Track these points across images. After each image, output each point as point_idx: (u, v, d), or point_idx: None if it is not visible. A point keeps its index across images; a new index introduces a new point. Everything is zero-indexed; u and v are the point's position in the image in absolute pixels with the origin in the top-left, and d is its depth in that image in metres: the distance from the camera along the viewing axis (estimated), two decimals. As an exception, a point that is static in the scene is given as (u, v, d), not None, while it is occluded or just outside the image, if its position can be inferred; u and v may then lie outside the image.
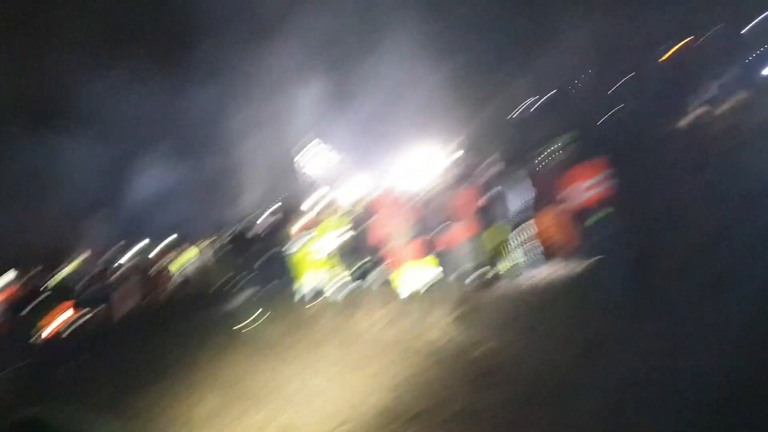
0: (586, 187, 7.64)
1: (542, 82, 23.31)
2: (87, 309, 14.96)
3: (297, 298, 11.34)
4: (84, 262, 16.63)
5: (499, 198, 8.99)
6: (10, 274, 12.32)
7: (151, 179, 31.16)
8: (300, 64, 26.38)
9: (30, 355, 12.07)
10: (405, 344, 7.05)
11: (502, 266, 9.50)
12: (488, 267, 9.55)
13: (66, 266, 15.65)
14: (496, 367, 5.68)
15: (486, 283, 9.01)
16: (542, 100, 23.64)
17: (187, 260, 19.83)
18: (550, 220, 9.40)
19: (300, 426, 5.36)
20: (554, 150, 9.66)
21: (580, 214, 7.74)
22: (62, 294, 14.91)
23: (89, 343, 12.22)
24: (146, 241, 22.92)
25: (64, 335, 14.38)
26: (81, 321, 14.85)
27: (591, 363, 5.24)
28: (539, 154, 10.70)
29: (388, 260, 9.37)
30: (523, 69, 23.14)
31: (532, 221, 9.50)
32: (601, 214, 7.60)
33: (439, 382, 5.63)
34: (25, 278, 13.71)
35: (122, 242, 21.23)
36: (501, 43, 23.58)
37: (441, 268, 9.13)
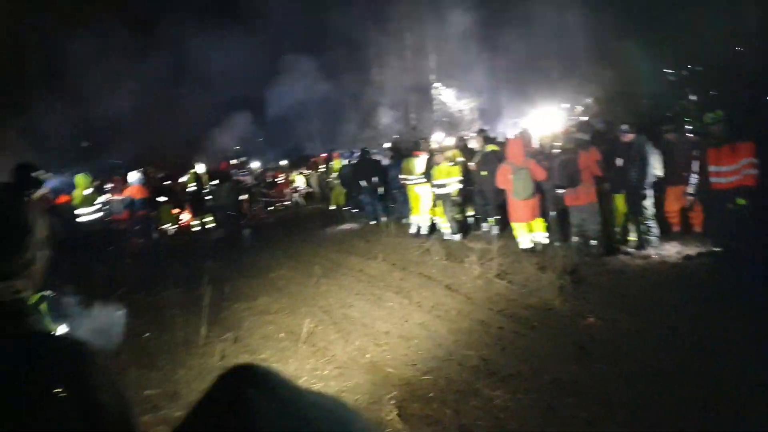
0: (726, 171, 6.98)
1: (691, 52, 21.57)
2: (208, 215, 15.93)
3: (412, 230, 11.50)
4: (209, 171, 17.48)
5: (628, 167, 8.43)
6: (136, 174, 13.15)
7: (285, 97, 32.89)
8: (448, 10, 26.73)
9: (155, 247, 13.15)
10: (508, 301, 6.88)
11: (622, 238, 9.09)
12: (607, 236, 9.16)
13: (191, 173, 16.48)
14: (596, 343, 5.43)
15: (602, 253, 8.62)
16: (684, 72, 21.94)
17: (309, 178, 20.64)
18: (680, 197, 8.78)
19: (386, 362, 5.38)
20: (695, 126, 8.91)
21: (716, 197, 7.12)
22: (187, 199, 15.89)
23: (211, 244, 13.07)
24: (272, 156, 24.04)
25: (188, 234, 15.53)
26: (203, 225, 15.86)
27: (702, 359, 4.89)
28: (677, 128, 9.93)
29: (509, 212, 9.23)
30: (673, 37, 21.51)
31: (660, 195, 8.92)
32: (739, 201, 6.96)
33: (535, 348, 5.43)
34: (150, 179, 14.63)
35: (245, 156, 22.28)
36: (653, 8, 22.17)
37: (558, 230, 8.85)
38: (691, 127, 8.94)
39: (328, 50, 33.08)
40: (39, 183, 4.85)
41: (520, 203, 8.96)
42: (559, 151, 8.45)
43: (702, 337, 5.34)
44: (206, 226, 15.89)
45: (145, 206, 12.78)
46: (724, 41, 20.71)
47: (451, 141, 12.62)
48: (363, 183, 13.35)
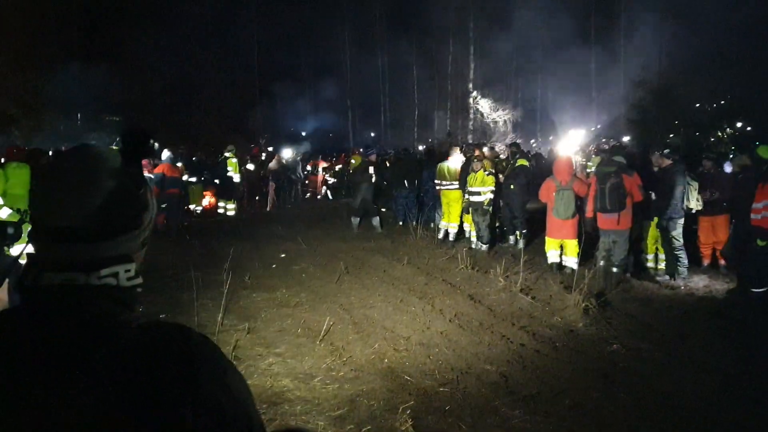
0: (759, 207, 6.79)
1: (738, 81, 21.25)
2: (232, 201, 16.05)
3: (440, 235, 11.44)
4: (240, 156, 17.62)
5: (666, 193, 8.26)
6: (167, 152, 13.22)
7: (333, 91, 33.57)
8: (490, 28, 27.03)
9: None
10: (531, 318, 6.76)
11: (653, 265, 8.94)
12: (637, 262, 9.02)
13: (224, 157, 16.55)
14: (619, 371, 5.30)
15: (633, 278, 8.48)
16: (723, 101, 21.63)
17: (342, 171, 20.71)
18: (718, 228, 8.59)
19: (404, 369, 5.29)
20: (739, 157, 8.70)
21: (756, 233, 6.93)
22: (220, 182, 16.00)
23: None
24: (306, 146, 24.24)
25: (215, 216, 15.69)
26: (225, 210, 15.97)
27: (728, 397, 4.75)
28: (720, 157, 9.74)
29: (547, 227, 9.15)
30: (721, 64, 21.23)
31: (696, 226, 8.75)
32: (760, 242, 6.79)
33: (556, 369, 5.31)
34: (177, 159, 14.69)
35: (275, 146, 22.38)
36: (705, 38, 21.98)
37: (594, 252, 8.71)
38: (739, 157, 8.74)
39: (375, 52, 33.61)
40: (154, 152, 4.60)
41: (558, 221, 8.87)
42: (605, 173, 8.27)
43: (729, 375, 5.20)
44: (228, 212, 15.98)
45: (175, 185, 12.82)
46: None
47: (486, 151, 12.49)
48: (405, 182, 13.20)
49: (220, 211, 16.13)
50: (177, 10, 25.92)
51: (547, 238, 9.23)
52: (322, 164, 21.70)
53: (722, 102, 21.42)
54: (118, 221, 1.04)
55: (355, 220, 13.06)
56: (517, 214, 10.64)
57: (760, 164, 7.26)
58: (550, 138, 27.54)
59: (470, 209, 10.54)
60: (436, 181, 11.81)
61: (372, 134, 32.53)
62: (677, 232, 8.35)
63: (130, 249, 1.06)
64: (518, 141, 17.84)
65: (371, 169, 13.06)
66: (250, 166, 17.91)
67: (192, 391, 0.90)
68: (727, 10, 21.46)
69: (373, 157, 13.83)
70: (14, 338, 0.95)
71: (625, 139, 20.39)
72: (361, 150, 18.73)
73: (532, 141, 28.59)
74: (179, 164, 14.21)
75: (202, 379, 0.93)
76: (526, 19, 29.19)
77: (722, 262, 8.87)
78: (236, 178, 16.10)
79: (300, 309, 7.18)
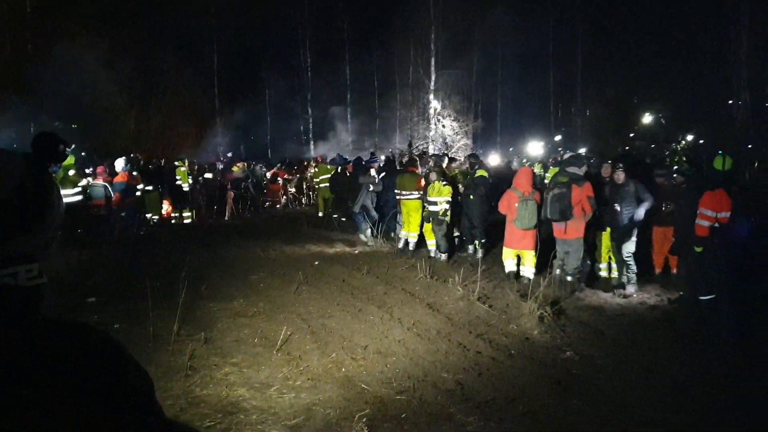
0: (711, 216, 7.01)
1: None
2: (187, 209, 15.84)
3: (400, 245, 11.47)
4: (195, 165, 17.41)
5: (618, 203, 8.48)
6: (122, 161, 13.01)
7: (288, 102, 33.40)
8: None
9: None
10: (488, 326, 6.83)
11: (606, 274, 9.14)
12: (591, 271, 9.21)
13: (178, 166, 16.36)
14: (572, 378, 5.40)
15: (585, 287, 8.66)
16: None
17: (302, 181, 20.58)
18: (666, 237, 8.83)
19: (361, 377, 5.29)
20: (693, 166, 9.00)
21: (702, 241, 7.14)
22: (171, 191, 15.77)
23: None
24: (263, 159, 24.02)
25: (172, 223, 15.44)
26: (181, 218, 15.76)
27: (677, 400, 4.89)
28: (670, 167, 10.04)
29: (505, 237, 9.25)
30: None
31: (647, 234, 8.97)
32: (723, 247, 7.00)
33: (511, 376, 5.39)
34: (135, 167, 14.44)
35: (231, 154, 22.16)
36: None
37: (552, 262, 8.86)
38: (693, 166, 9.06)
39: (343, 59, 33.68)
40: (63, 156, 4.51)
41: (519, 232, 8.95)
42: (555, 183, 8.46)
43: (677, 379, 5.35)
44: (184, 221, 15.78)
45: (131, 194, 12.59)
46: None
47: (445, 161, 12.63)
48: (371, 189, 13.17)
49: (175, 220, 15.94)
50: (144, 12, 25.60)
51: (504, 248, 9.34)
52: (284, 176, 21.55)
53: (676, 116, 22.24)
54: (17, 222, 1.04)
55: (366, 231, 12.84)
56: (476, 223, 10.77)
57: (714, 175, 7.47)
58: (510, 149, 27.98)
59: (430, 219, 10.64)
60: (396, 191, 11.87)
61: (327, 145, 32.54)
62: (632, 242, 8.55)
63: (32, 249, 1.07)
64: (478, 152, 18.11)
65: (374, 176, 13.05)
66: (208, 175, 17.72)
67: (89, 387, 0.94)
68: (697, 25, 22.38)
69: (375, 166, 13.87)
70: None
71: (581, 150, 20.87)
72: (324, 158, 18.67)
73: (495, 151, 29.08)
74: (134, 173, 13.98)
75: (101, 376, 0.96)
76: (490, 31, 29.72)
77: (674, 270, 9.11)
78: (185, 187, 15.94)
79: (257, 318, 7.12)
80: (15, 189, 1.04)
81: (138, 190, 13.02)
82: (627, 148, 22.50)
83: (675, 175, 9.03)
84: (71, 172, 11.97)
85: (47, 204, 1.11)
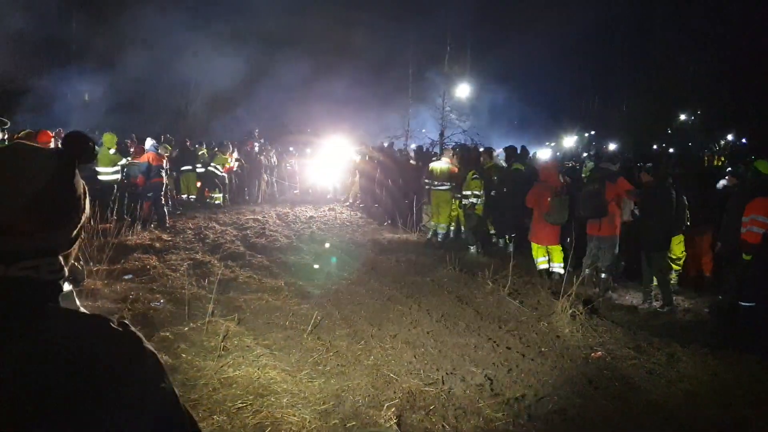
0: (765, 222, 6.80)
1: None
2: (217, 192, 16.04)
3: (429, 235, 11.47)
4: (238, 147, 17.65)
5: (652, 205, 8.32)
6: (151, 141, 13.19)
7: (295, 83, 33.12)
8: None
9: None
10: (518, 322, 6.79)
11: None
12: (622, 272, 9.10)
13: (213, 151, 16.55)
14: (603, 378, 5.34)
15: (612, 287, 8.56)
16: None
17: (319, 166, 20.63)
18: (704, 243, 8.66)
19: (390, 366, 5.31)
20: (734, 171, 8.80)
21: (753, 248, 6.95)
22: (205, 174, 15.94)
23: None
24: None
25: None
26: (212, 200, 15.95)
27: (712, 406, 4.81)
28: (710, 171, 9.83)
29: (533, 232, 9.19)
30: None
31: (682, 239, 8.79)
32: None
33: (541, 374, 5.35)
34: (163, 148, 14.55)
35: (261, 139, 22.28)
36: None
37: (583, 258, 8.77)
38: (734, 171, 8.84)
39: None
40: (93, 155, 4.67)
41: (547, 227, 8.88)
42: (589, 179, 8.35)
43: (710, 383, 5.26)
44: (215, 201, 15.96)
45: (159, 174, 12.68)
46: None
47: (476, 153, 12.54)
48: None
49: (209, 200, 16.16)
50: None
51: (534, 244, 9.27)
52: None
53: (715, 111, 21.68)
54: (44, 218, 1.07)
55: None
56: (507, 217, 10.68)
57: (757, 177, 7.27)
58: (547, 144, 27.65)
59: (461, 211, 10.62)
60: (425, 181, 11.83)
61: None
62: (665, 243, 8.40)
63: (56, 244, 1.10)
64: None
65: None
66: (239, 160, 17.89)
67: (106, 380, 0.97)
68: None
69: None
70: None
71: (612, 146, 20.53)
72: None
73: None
74: (173, 152, 14.16)
75: (117, 369, 0.99)
76: (529, 26, 29.24)
77: (708, 274, 8.95)
78: (219, 171, 16.12)
79: (289, 302, 7.18)
80: (45, 186, 1.06)
81: (164, 169, 13.06)
82: (663, 145, 22.03)
83: (726, 177, 8.83)
84: (112, 151, 12.18)
85: (75, 203, 1.13)
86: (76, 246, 1.16)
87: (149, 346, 1.08)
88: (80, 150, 1.18)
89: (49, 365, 0.95)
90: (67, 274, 1.12)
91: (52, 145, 9.40)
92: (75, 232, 1.14)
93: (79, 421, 0.93)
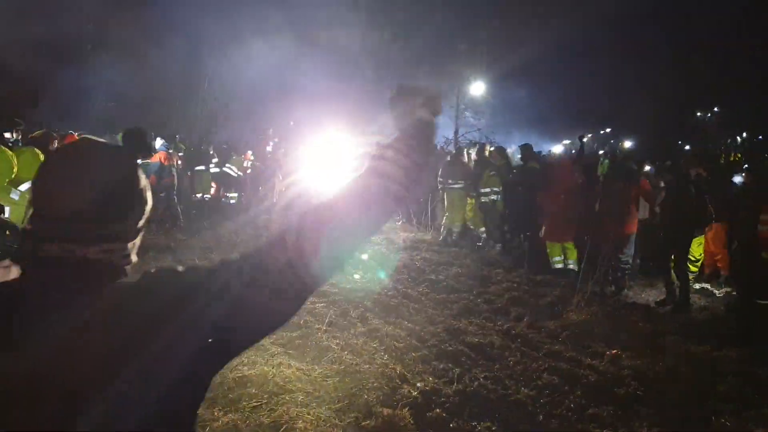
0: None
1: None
2: (232, 191, 16.08)
3: (442, 233, 11.44)
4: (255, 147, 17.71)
5: (673, 205, 8.23)
6: (161, 140, 13.24)
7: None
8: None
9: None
10: (534, 318, 6.75)
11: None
12: (639, 272, 9.01)
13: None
14: (626, 378, 5.27)
15: (628, 286, 8.46)
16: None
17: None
18: (723, 241, 8.55)
19: (407, 364, 5.29)
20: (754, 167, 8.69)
21: (762, 245, 6.87)
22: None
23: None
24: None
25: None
26: (227, 200, 15.99)
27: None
28: (730, 167, 9.71)
29: (549, 230, 9.12)
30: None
31: (702, 240, 8.67)
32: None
33: (557, 372, 5.31)
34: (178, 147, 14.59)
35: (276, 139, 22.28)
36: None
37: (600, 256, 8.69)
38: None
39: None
40: (151, 150, 4.65)
41: (563, 224, 8.83)
42: (611, 178, 8.27)
43: (730, 381, 5.20)
44: (231, 201, 16.00)
45: (171, 173, 12.68)
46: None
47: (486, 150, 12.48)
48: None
49: (223, 200, 16.18)
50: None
51: (548, 243, 9.20)
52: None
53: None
54: (115, 207, 1.18)
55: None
56: (521, 215, 10.60)
57: None
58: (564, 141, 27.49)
59: (477, 209, 10.59)
60: (439, 179, 11.79)
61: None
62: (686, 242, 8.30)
63: (126, 232, 1.21)
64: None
65: None
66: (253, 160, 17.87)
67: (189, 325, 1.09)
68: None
69: None
70: (18, 300, 1.09)
71: (628, 144, 20.35)
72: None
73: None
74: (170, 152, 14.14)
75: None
76: (544, 22, 28.96)
77: (724, 272, 8.83)
78: (234, 173, 16.12)
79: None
80: (114, 178, 1.18)
81: (174, 168, 13.04)
82: (680, 142, 21.79)
83: (743, 174, 8.72)
84: (126, 151, 12.22)
85: (140, 194, 1.24)
86: (140, 236, 1.27)
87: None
88: (140, 146, 1.31)
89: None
90: (135, 260, 1.23)
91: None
92: (141, 222, 1.25)
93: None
